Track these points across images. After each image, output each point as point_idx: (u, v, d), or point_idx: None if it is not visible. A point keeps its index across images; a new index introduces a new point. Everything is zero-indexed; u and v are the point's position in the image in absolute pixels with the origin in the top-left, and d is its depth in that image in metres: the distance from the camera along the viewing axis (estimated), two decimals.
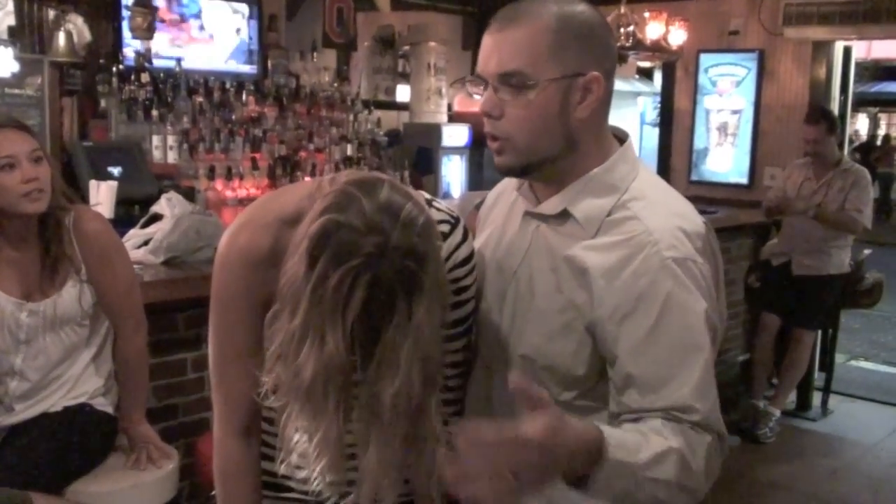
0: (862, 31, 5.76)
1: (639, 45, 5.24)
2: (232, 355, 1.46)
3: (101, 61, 5.13)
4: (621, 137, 1.53)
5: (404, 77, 7.11)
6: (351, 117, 6.17)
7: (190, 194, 4.42)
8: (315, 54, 6.28)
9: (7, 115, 2.58)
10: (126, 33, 5.26)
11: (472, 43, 8.04)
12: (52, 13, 4.94)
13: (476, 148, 6.70)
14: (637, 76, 12.60)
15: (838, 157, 5.21)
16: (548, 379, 1.45)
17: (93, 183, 3.59)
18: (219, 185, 5.01)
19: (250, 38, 6.04)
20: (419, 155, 6.46)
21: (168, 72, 5.36)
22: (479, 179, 6.53)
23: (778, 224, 5.46)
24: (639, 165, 1.51)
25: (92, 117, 5.01)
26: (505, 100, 1.41)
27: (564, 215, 1.47)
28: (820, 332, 5.57)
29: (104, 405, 2.53)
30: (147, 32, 5.18)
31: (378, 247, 1.21)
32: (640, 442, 1.26)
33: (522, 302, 1.50)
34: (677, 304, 1.35)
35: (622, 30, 5.15)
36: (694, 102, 6.54)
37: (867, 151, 18.23)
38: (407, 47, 6.94)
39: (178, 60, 5.44)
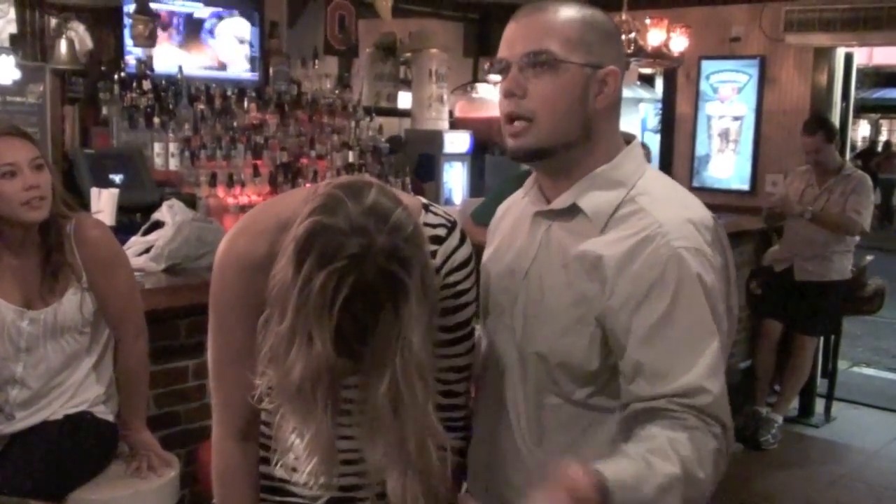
0: (863, 37, 5.77)
1: (640, 52, 5.23)
2: (230, 359, 1.47)
3: (103, 69, 5.14)
4: (628, 139, 1.58)
5: (406, 84, 7.12)
6: (352, 124, 6.17)
7: (191, 201, 4.42)
8: (316, 61, 6.28)
9: (8, 122, 2.58)
10: (128, 41, 5.27)
11: (473, 50, 8.05)
12: (53, 21, 4.94)
13: (477, 155, 6.70)
14: (639, 83, 12.61)
15: (840, 163, 5.21)
16: (562, 376, 1.47)
17: (94, 190, 3.59)
18: (220, 192, 5.01)
19: (252, 45, 6.04)
20: (421, 162, 6.46)
21: (169, 79, 5.36)
22: (480, 186, 6.53)
23: (779, 230, 5.46)
24: (645, 164, 1.56)
25: (93, 125, 5.02)
26: (530, 80, 1.46)
27: (573, 210, 1.50)
28: (822, 338, 5.57)
29: (105, 413, 2.52)
30: (148, 40, 5.18)
31: (362, 248, 1.22)
32: (645, 474, 1.27)
33: (534, 302, 1.52)
34: (687, 293, 1.38)
35: (623, 36, 5.14)
36: (695, 109, 6.54)
37: (868, 157, 18.24)
38: (408, 54, 6.95)
39: (180, 68, 5.44)
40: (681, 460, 1.30)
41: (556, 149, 1.49)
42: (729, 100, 6.38)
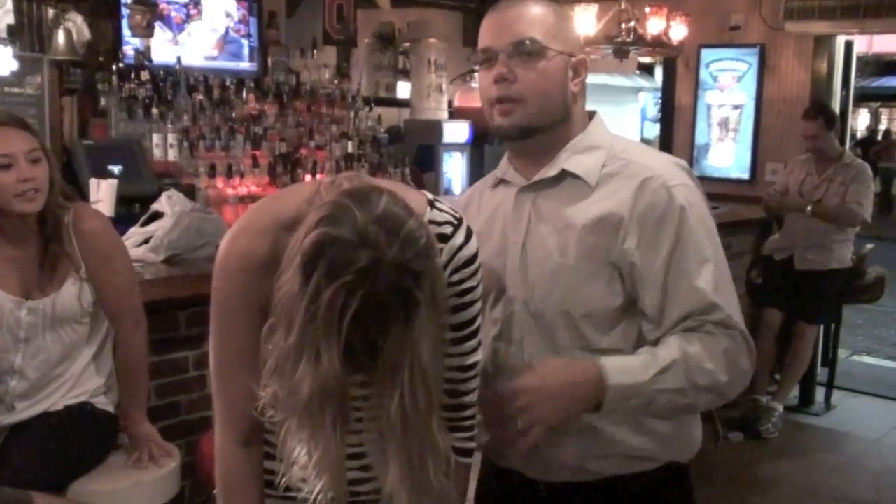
0: (863, 25, 5.74)
1: (639, 41, 5.21)
2: (232, 361, 1.44)
3: (101, 59, 5.13)
4: (590, 115, 1.76)
5: (405, 74, 7.11)
6: (351, 114, 6.16)
7: (190, 192, 4.42)
8: (315, 51, 6.27)
9: (8, 112, 2.57)
10: (126, 31, 5.25)
11: (471, 39, 8.01)
12: (51, 12, 4.93)
13: (477, 144, 6.69)
14: (638, 72, 12.59)
15: (839, 151, 5.20)
16: (587, 326, 1.61)
17: (93, 181, 3.58)
18: (219, 182, 5.01)
19: (250, 36, 6.03)
20: (420, 152, 6.45)
21: (168, 69, 5.35)
22: (480, 175, 6.49)
23: (780, 219, 5.46)
24: (610, 131, 1.73)
25: (92, 115, 5.01)
26: (518, 66, 1.60)
27: (561, 176, 1.66)
28: (822, 327, 5.57)
29: (105, 404, 2.52)
30: (146, 30, 5.18)
31: (371, 261, 1.19)
32: (647, 361, 1.52)
33: (540, 268, 1.64)
34: (689, 223, 1.57)
35: (623, 25, 5.12)
36: (695, 98, 6.52)
37: (868, 146, 18.23)
38: (407, 44, 6.94)
39: (178, 58, 5.43)
40: (682, 348, 1.52)
41: (541, 128, 1.64)
42: (729, 88, 6.36)
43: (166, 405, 3.06)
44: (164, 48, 5.54)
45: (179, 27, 5.73)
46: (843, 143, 6.22)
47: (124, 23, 5.23)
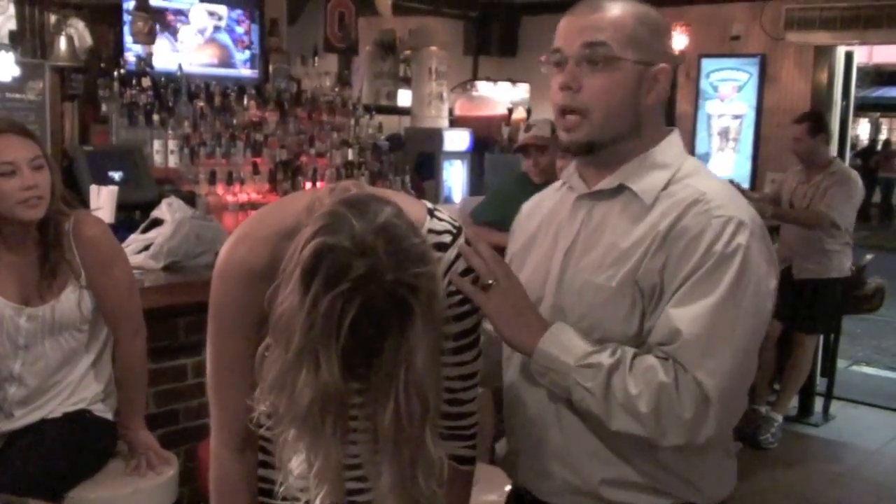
0: (863, 36, 5.77)
1: None
2: (229, 369, 1.45)
3: (103, 66, 5.13)
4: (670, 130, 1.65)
5: (405, 82, 7.11)
6: (352, 122, 6.16)
7: (191, 199, 4.42)
8: (316, 59, 6.28)
9: (10, 119, 2.57)
10: (127, 38, 5.26)
11: (472, 48, 8.05)
12: (53, 18, 4.94)
13: (477, 153, 6.70)
14: None
15: (828, 160, 5.19)
16: None
17: (93, 188, 3.59)
18: (220, 189, 5.01)
19: (252, 43, 6.04)
20: (420, 160, 6.46)
21: (169, 76, 5.36)
22: (480, 184, 6.52)
23: (777, 230, 5.46)
24: (685, 152, 1.63)
25: (93, 122, 5.01)
26: (586, 74, 1.51)
27: (620, 190, 1.57)
28: (822, 337, 5.56)
29: (103, 411, 2.52)
30: (148, 37, 5.18)
31: (368, 269, 1.19)
32: (586, 352, 1.46)
33: (576, 278, 1.56)
34: (718, 257, 1.43)
35: None
36: (695, 107, 6.54)
37: (868, 156, 18.25)
38: (408, 52, 6.95)
39: (179, 65, 5.44)
40: (620, 360, 1.43)
41: (606, 143, 1.55)
42: (729, 98, 6.38)
43: (165, 413, 3.06)
44: (166, 55, 5.54)
45: (173, 33, 5.74)
46: (842, 152, 6.24)
47: (126, 29, 5.24)
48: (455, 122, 7.04)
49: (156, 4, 5.44)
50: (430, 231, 1.45)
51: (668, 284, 1.46)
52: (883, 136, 23.23)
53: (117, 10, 5.26)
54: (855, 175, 5.15)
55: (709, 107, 6.48)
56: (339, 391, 1.23)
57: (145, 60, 5.27)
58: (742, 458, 5.18)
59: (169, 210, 3.12)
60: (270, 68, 6.02)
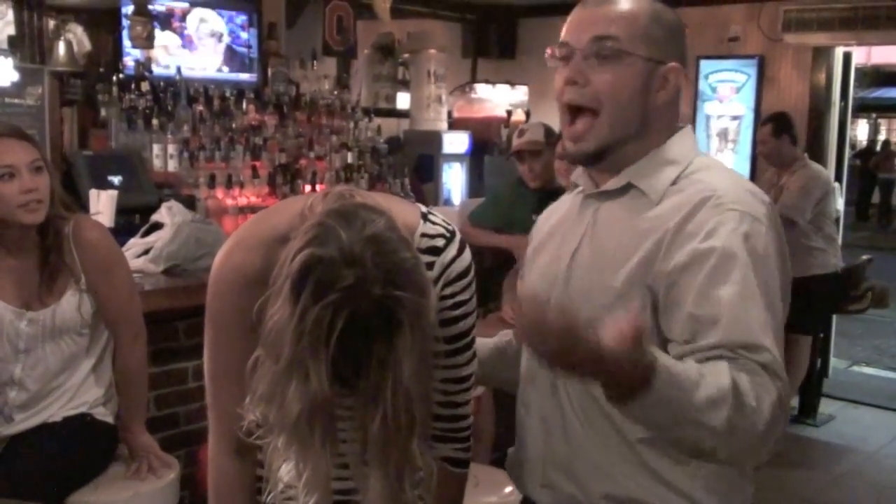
0: (861, 36, 5.77)
1: None
2: (226, 374, 1.46)
3: (101, 70, 5.14)
4: (681, 126, 1.59)
5: (404, 84, 7.12)
6: (351, 125, 6.17)
7: (190, 203, 4.42)
8: (315, 62, 6.28)
9: (9, 124, 2.58)
10: (126, 42, 5.26)
11: (471, 51, 8.06)
12: (52, 23, 4.95)
13: (476, 155, 6.70)
14: None
15: (793, 159, 5.19)
16: None
17: (93, 192, 3.59)
18: (219, 193, 5.01)
19: (250, 47, 6.04)
20: (419, 162, 6.47)
21: (168, 80, 5.36)
22: (479, 187, 6.53)
23: None
24: (697, 148, 1.58)
25: (92, 126, 5.02)
26: (594, 68, 1.46)
27: (627, 188, 1.52)
28: (823, 337, 5.57)
29: (104, 415, 2.52)
30: (147, 41, 5.19)
31: (357, 279, 1.20)
32: (697, 381, 1.24)
33: (584, 278, 1.52)
34: (739, 251, 1.36)
35: None
36: (694, 109, 6.55)
37: (867, 157, 18.25)
38: (407, 55, 6.95)
39: (178, 69, 5.44)
40: (734, 380, 1.25)
41: (614, 147, 1.50)
42: (727, 99, 6.39)
43: (165, 416, 3.06)
44: (165, 59, 5.54)
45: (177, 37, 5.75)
46: (841, 153, 6.25)
47: (125, 34, 5.24)
48: (454, 124, 7.04)
49: (159, 9, 5.45)
50: (424, 235, 1.46)
51: (690, 279, 1.36)
52: (882, 137, 23.24)
53: (116, 14, 5.26)
54: (816, 171, 5.15)
55: (707, 108, 6.49)
56: (328, 401, 1.24)
57: (144, 65, 5.27)
58: None
59: (168, 214, 3.12)
60: (269, 72, 6.03)
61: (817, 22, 5.73)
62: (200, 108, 5.40)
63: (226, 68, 5.96)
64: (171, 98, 5.28)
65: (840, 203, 5.98)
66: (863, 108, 19.95)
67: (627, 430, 1.44)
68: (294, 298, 1.21)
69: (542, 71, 2.00)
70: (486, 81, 7.85)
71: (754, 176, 6.22)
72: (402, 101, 7.10)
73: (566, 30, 1.50)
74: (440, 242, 1.47)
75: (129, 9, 5.18)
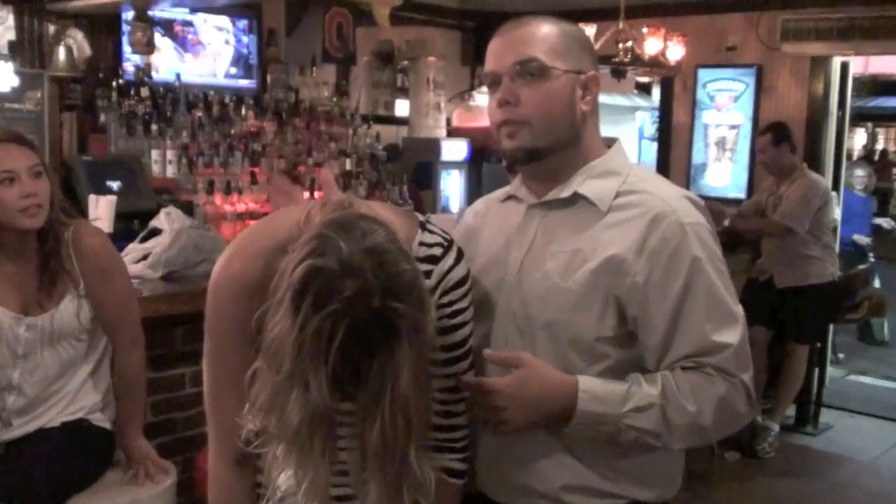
0: (859, 46, 5.78)
1: (637, 61, 5.24)
2: (225, 383, 1.46)
3: (101, 76, 5.14)
4: (609, 143, 1.71)
5: (403, 92, 7.12)
6: (350, 132, 6.17)
7: (189, 209, 4.42)
8: (314, 69, 6.29)
9: (8, 129, 2.59)
10: (126, 48, 5.27)
11: (470, 58, 8.06)
12: (52, 28, 4.96)
13: (475, 162, 6.71)
14: (635, 91, 12.62)
15: (792, 167, 5.21)
16: (571, 352, 1.56)
17: (92, 197, 3.60)
18: (218, 199, 5.01)
19: (249, 53, 6.05)
20: (418, 169, 6.47)
21: (167, 86, 5.37)
22: (477, 194, 6.50)
23: (758, 242, 5.49)
24: (630, 160, 1.70)
25: (91, 132, 5.02)
26: (522, 88, 1.57)
27: (574, 199, 1.62)
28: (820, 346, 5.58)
29: (102, 420, 2.52)
30: (147, 47, 5.19)
31: (356, 290, 1.21)
32: (627, 393, 1.50)
33: (537, 284, 1.60)
34: (703, 264, 1.53)
35: (620, 45, 5.16)
36: (692, 117, 6.56)
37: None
38: (406, 62, 6.95)
39: (178, 75, 5.45)
40: (667, 388, 1.50)
41: (549, 149, 1.59)
42: (726, 108, 6.40)
43: (163, 422, 3.06)
44: (165, 65, 5.55)
45: (180, 44, 5.76)
46: (839, 162, 6.26)
47: (124, 39, 5.25)
48: (453, 131, 7.04)
49: (159, 15, 5.46)
50: (422, 244, 1.47)
51: (659, 297, 1.52)
52: (879, 146, 23.27)
53: (116, 20, 5.27)
54: (814, 180, 5.17)
55: (706, 117, 6.50)
56: (328, 411, 1.25)
57: (144, 70, 5.28)
58: (739, 468, 5.20)
59: (167, 220, 3.13)
60: (268, 78, 6.04)
61: (815, 32, 5.74)
62: (199, 113, 5.40)
63: (225, 74, 5.97)
64: (170, 104, 5.29)
65: (837, 212, 6.00)
66: (861, 117, 19.98)
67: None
68: (294, 309, 1.22)
69: None
70: (481, 91, 7.86)
71: (752, 185, 6.24)
72: (401, 108, 7.10)
73: (489, 61, 1.61)
74: (438, 251, 1.48)
75: (129, 14, 5.19)
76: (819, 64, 6.00)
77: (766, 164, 5.29)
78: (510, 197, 1.75)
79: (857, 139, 23.15)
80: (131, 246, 3.14)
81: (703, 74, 6.45)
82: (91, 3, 4.81)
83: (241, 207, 5.07)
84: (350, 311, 1.21)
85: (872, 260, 6.89)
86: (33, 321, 2.40)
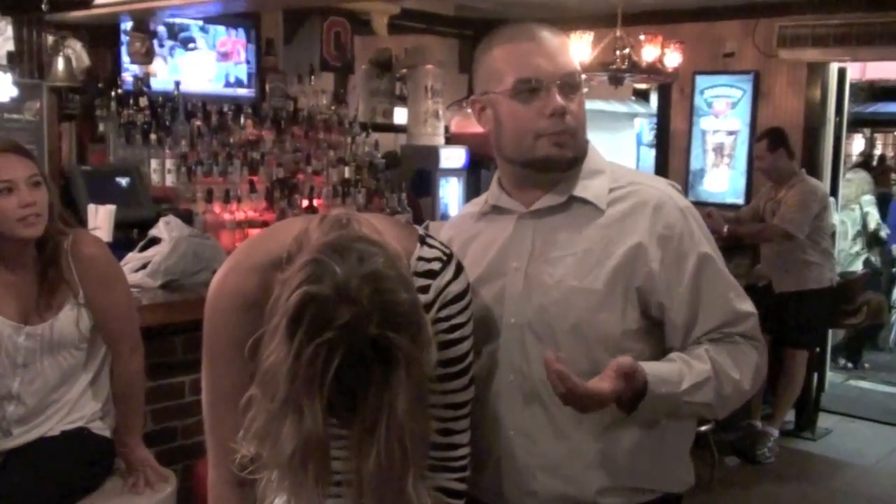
0: (856, 52, 5.80)
1: (635, 68, 5.26)
2: (225, 401, 1.44)
3: (100, 86, 5.15)
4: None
5: (402, 100, 7.13)
6: (348, 140, 6.18)
7: (188, 217, 4.42)
8: (313, 77, 6.30)
9: (7, 139, 2.59)
10: (125, 58, 5.28)
11: (468, 66, 8.06)
12: (50, 38, 4.95)
13: (473, 170, 6.72)
14: (633, 98, 12.63)
15: (790, 173, 5.22)
16: (600, 349, 1.58)
17: (91, 207, 3.60)
18: (217, 208, 5.02)
19: (248, 62, 6.07)
20: (417, 177, 6.47)
21: (166, 95, 5.38)
22: None
23: (757, 247, 5.50)
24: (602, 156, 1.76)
25: (90, 141, 5.02)
26: (567, 98, 1.61)
27: (570, 202, 1.66)
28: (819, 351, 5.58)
29: (102, 429, 2.53)
30: (145, 57, 5.20)
31: (352, 317, 1.19)
32: (683, 371, 1.54)
33: (547, 290, 1.61)
34: (705, 238, 1.64)
35: (618, 52, 5.17)
36: (690, 124, 6.57)
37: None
38: (404, 70, 6.97)
39: (177, 84, 5.46)
40: (714, 361, 1.56)
41: (582, 157, 1.67)
42: (723, 115, 6.41)
43: (162, 430, 3.06)
44: (164, 74, 5.56)
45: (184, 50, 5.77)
46: (836, 168, 6.27)
47: (123, 49, 5.26)
48: (451, 139, 7.05)
49: (158, 25, 5.47)
50: (421, 259, 1.46)
51: (677, 278, 1.59)
52: (878, 152, 23.28)
53: (115, 30, 5.28)
54: (813, 185, 5.18)
55: (703, 123, 6.51)
56: (322, 439, 1.23)
57: (142, 80, 5.29)
58: (739, 473, 5.20)
59: (166, 228, 3.13)
60: (267, 87, 6.04)
61: (812, 38, 5.75)
62: (198, 123, 5.41)
63: (224, 83, 5.98)
64: (168, 113, 5.29)
65: (836, 217, 6.01)
66: (858, 123, 19.98)
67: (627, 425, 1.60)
68: (289, 337, 1.20)
69: None
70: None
71: (750, 190, 6.24)
72: (400, 116, 7.11)
73: (529, 63, 1.60)
74: (437, 266, 1.47)
75: (127, 25, 5.20)
76: (816, 70, 6.01)
77: (763, 170, 5.31)
78: (493, 209, 1.74)
79: (856, 145, 23.17)
80: (130, 255, 3.15)
81: (701, 81, 6.47)
82: (90, 13, 4.81)
83: (240, 216, 5.08)
84: (345, 339, 1.19)
85: None
86: (33, 330, 2.40)
